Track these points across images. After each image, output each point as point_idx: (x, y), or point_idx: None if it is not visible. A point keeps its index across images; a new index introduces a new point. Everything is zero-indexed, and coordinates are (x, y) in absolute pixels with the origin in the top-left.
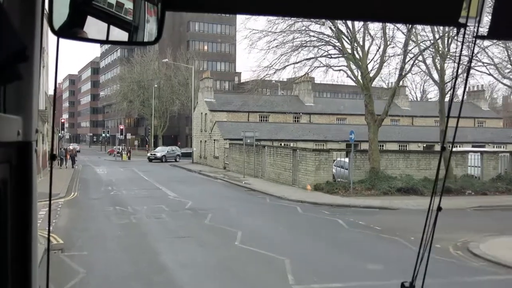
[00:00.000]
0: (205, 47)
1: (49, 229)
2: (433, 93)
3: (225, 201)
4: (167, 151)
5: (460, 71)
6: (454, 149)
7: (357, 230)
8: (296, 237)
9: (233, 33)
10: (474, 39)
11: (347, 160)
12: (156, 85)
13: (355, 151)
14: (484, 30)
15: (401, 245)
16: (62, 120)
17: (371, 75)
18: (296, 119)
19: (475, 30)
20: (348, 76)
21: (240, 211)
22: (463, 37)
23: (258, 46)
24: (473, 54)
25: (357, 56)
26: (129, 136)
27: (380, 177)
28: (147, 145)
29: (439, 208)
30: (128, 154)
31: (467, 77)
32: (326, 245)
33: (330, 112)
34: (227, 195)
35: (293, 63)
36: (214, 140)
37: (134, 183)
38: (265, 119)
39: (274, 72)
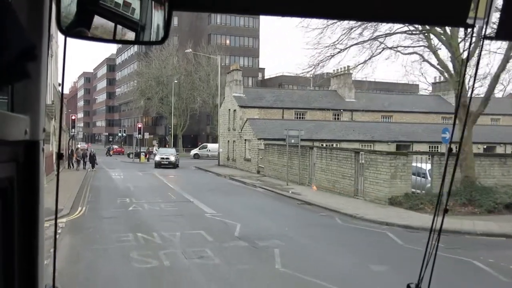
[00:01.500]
0: (227, 41)
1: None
2: (481, 89)
3: (284, 223)
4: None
5: None
6: None
7: None
8: None
9: (257, 26)
10: (482, 39)
11: (423, 165)
12: (176, 81)
13: (438, 154)
14: (492, 30)
15: None
16: (73, 117)
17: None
18: (336, 117)
19: (483, 30)
20: (424, 60)
21: (316, 243)
22: (471, 37)
23: (311, 25)
24: (481, 55)
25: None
26: (147, 135)
27: (477, 189)
28: (167, 146)
29: (446, 210)
30: (147, 155)
31: (474, 78)
32: None
33: (374, 109)
34: (281, 212)
35: (362, 42)
36: (245, 140)
37: (157, 193)
38: (301, 116)
39: (338, 52)
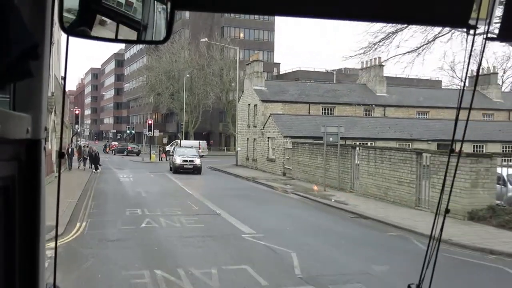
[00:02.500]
0: (241, 34)
1: (57, 217)
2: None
3: (352, 250)
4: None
5: None
6: None
7: None
8: None
9: (272, 19)
10: (484, 40)
11: (498, 170)
12: (188, 75)
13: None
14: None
15: None
16: (77, 112)
17: None
18: (368, 112)
19: (485, 31)
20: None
21: None
22: (473, 38)
23: None
24: (483, 56)
25: None
26: (156, 133)
27: None
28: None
29: (447, 211)
30: (165, 154)
31: (476, 79)
32: None
33: (408, 104)
34: (336, 231)
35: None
36: (268, 138)
37: (174, 200)
38: (329, 112)
39: (399, 31)
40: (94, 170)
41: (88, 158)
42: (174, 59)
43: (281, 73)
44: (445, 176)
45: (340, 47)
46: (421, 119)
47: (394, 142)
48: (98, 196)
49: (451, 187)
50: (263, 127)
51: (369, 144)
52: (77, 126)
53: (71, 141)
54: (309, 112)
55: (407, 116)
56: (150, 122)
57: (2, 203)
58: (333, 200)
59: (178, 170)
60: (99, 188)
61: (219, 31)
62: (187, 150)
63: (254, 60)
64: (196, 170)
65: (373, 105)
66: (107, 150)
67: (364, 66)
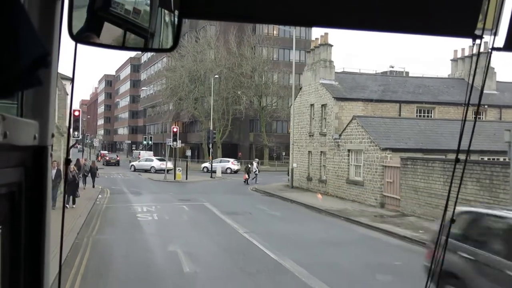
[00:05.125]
0: (275, 32)
1: (63, 213)
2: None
3: None
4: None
5: None
6: None
7: None
8: None
9: None
10: (490, 50)
11: None
12: (216, 76)
13: None
14: (500, 42)
15: None
16: (76, 113)
17: None
18: (478, 116)
19: (491, 42)
20: None
21: None
22: (479, 49)
23: None
24: (489, 66)
25: None
26: (178, 144)
27: None
28: (210, 158)
29: (452, 220)
30: (248, 174)
31: (481, 89)
32: None
33: None
34: None
35: None
36: (349, 150)
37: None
38: (426, 114)
39: None
40: (67, 204)
41: (87, 175)
42: (199, 58)
43: None
44: (450, 185)
45: (378, 53)
46: None
47: None
48: (96, 276)
49: (457, 197)
50: (340, 135)
51: (502, 160)
52: (76, 133)
53: (68, 153)
54: (399, 114)
55: None
56: (175, 129)
57: (9, 209)
58: None
59: None
60: (100, 242)
61: (251, 27)
62: None
63: (321, 45)
64: None
65: (486, 106)
66: (99, 158)
67: (460, 55)
